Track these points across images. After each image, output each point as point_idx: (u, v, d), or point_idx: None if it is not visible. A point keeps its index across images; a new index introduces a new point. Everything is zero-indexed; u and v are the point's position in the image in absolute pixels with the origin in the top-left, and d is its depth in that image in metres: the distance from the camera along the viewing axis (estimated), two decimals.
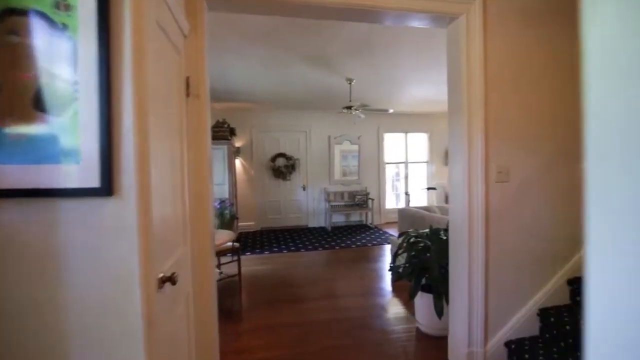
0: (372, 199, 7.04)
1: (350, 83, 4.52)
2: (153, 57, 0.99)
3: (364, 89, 4.99)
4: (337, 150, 7.19)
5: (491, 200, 1.94)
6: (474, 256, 1.93)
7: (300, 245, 5.39)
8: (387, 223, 7.30)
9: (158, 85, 1.07)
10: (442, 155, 7.61)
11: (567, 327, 1.82)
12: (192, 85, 1.49)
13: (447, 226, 2.46)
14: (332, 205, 6.85)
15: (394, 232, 6.29)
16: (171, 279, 1.02)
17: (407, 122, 7.45)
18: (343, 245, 5.40)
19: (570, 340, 1.82)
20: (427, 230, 2.59)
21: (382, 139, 7.37)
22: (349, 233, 6.34)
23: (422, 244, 2.38)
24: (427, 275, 2.33)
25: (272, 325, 2.63)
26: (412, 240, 2.46)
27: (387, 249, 5.07)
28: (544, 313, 2.00)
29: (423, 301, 2.39)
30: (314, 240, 5.74)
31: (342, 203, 7.06)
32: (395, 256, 2.61)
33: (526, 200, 2.01)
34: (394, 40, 3.25)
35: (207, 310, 1.63)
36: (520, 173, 2.00)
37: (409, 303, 2.99)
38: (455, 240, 2.02)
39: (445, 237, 2.35)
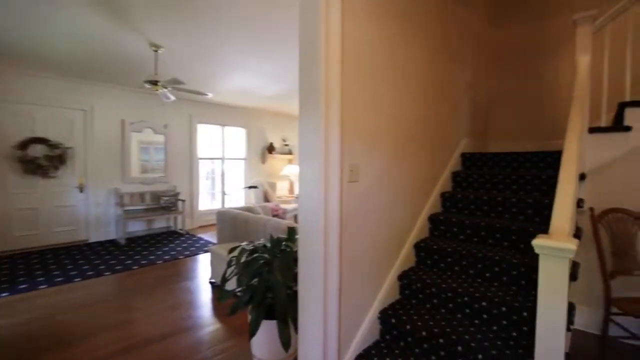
0: (183, 200, 5.97)
1: (156, 51, 3.45)
2: None
3: (175, 64, 3.99)
4: (134, 139, 5.63)
5: (344, 202, 1.69)
6: (329, 268, 1.63)
7: (74, 273, 3.74)
8: (202, 227, 6.42)
9: None
10: (259, 152, 7.46)
11: (408, 327, 1.82)
12: None
13: (289, 234, 2.09)
14: (127, 211, 5.29)
15: (210, 237, 5.54)
16: None
17: (225, 114, 6.81)
18: (144, 262, 4.17)
19: (410, 339, 1.83)
20: (262, 241, 2.13)
21: (195, 130, 6.39)
22: (152, 244, 5.06)
23: (261, 260, 1.89)
24: (270, 296, 1.87)
25: None
26: (246, 258, 1.93)
27: (205, 260, 4.30)
28: (383, 314, 1.95)
29: (263, 329, 1.91)
30: (98, 262, 4.16)
31: (143, 207, 5.60)
32: (224, 280, 2.00)
33: (371, 201, 1.90)
34: (222, 5, 2.60)
35: None
36: (368, 172, 1.87)
37: (239, 331, 2.45)
38: (308, 251, 1.66)
39: (289, 249, 1.97)
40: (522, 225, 2.11)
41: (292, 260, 1.86)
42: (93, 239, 5.19)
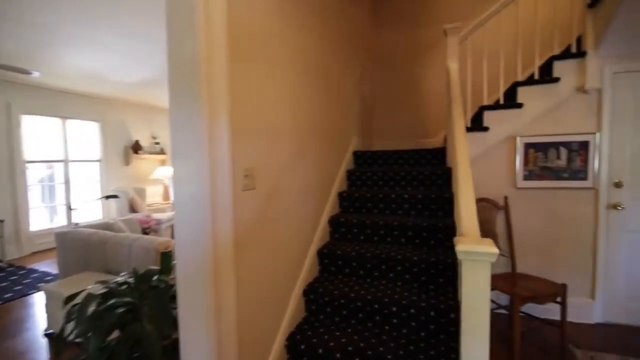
0: (1, 220, 4.32)
1: None
2: None
3: None
4: None
5: (239, 216, 1.32)
6: (224, 302, 1.23)
7: None
8: (37, 254, 4.80)
9: None
10: (121, 152, 6.11)
11: (320, 351, 1.59)
12: None
13: (163, 262, 1.58)
14: None
15: (50, 267, 4.17)
16: None
17: (67, 103, 5.26)
18: None
19: None
20: (123, 276, 1.54)
21: (18, 124, 4.71)
22: None
23: (121, 308, 1.33)
24: (137, 355, 1.34)
25: None
26: (98, 307, 1.33)
27: (38, 301, 3.14)
28: (291, 340, 1.67)
29: None
30: None
31: None
32: (61, 341, 1.34)
33: (272, 209, 1.58)
34: None
35: None
36: (268, 175, 1.54)
37: None
38: (191, 286, 1.22)
39: (163, 284, 1.46)
40: (415, 221, 2.16)
41: (168, 299, 1.37)
42: None
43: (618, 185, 2.36)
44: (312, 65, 2.06)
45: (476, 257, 1.05)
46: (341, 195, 2.55)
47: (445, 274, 1.87)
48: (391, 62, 3.78)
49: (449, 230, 2.06)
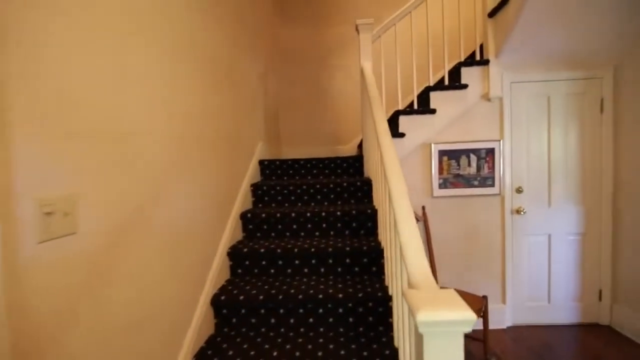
0: None
1: None
2: None
3: None
4: None
5: (32, 290, 0.70)
6: None
7: None
8: None
9: None
10: None
11: None
12: None
13: None
14: None
15: None
16: None
17: None
18: None
19: None
20: None
21: None
22: None
23: None
24: None
25: None
26: None
27: None
28: None
29: None
30: None
31: None
32: None
33: (117, 264, 0.98)
34: None
35: None
36: (109, 209, 0.93)
37: None
38: None
39: None
40: (336, 244, 1.79)
41: None
42: None
43: (519, 190, 2.44)
44: (203, 51, 1.50)
45: (446, 327, 0.68)
46: (245, 217, 2.02)
47: (376, 310, 1.53)
48: (299, 63, 3.42)
49: (375, 253, 1.74)
